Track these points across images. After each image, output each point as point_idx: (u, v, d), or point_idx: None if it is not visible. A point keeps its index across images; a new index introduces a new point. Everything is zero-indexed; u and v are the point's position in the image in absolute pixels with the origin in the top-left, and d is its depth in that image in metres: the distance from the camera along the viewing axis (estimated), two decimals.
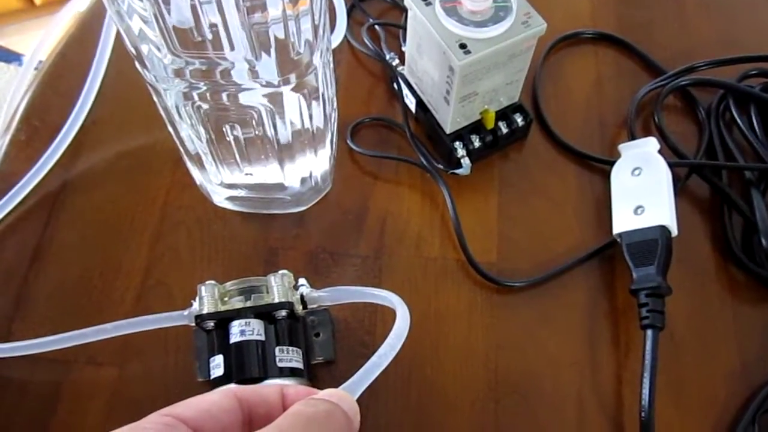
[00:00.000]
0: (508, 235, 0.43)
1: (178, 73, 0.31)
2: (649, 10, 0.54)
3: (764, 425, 0.37)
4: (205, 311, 0.34)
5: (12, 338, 0.39)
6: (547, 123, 0.47)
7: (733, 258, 0.42)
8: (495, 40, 0.38)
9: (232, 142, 0.37)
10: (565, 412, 0.37)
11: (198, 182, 0.42)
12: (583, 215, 0.44)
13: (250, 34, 0.28)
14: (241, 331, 0.33)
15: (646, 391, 0.36)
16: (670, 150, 0.46)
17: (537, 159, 0.46)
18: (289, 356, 0.34)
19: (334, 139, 0.42)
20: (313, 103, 0.35)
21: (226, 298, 0.35)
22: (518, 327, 0.40)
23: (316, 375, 0.37)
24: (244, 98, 0.33)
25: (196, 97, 0.33)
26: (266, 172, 0.39)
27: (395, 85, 0.46)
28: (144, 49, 0.30)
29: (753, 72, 0.48)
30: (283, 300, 0.34)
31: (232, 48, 0.29)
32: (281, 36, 0.29)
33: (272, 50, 0.30)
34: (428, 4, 0.39)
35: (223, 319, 0.34)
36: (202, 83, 0.32)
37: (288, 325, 0.35)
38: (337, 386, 0.24)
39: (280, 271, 0.36)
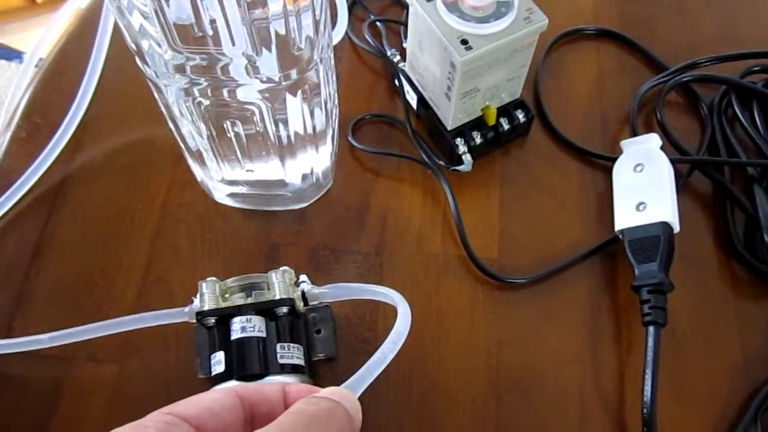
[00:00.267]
0: (509, 231, 0.43)
1: (179, 69, 0.31)
2: (651, 6, 0.53)
3: (767, 422, 0.37)
4: (206, 308, 0.34)
5: (13, 335, 0.38)
6: (549, 119, 0.47)
7: (735, 254, 0.42)
8: (496, 36, 0.37)
9: (233, 139, 0.36)
10: (566, 408, 0.37)
11: (199, 179, 0.42)
12: (584, 212, 0.44)
13: (250, 29, 0.28)
14: (242, 327, 0.33)
15: (648, 388, 0.35)
16: (672, 146, 0.45)
17: (538, 155, 0.46)
18: (290, 353, 0.34)
19: (335, 136, 0.42)
20: (314, 99, 0.35)
21: (227, 295, 0.35)
22: (520, 323, 0.40)
23: (317, 372, 0.37)
24: (244, 94, 0.33)
25: (196, 93, 0.33)
26: (267, 169, 0.39)
27: (396, 82, 0.46)
28: (144, 44, 0.30)
29: (755, 68, 0.48)
30: (284, 297, 0.34)
31: (233, 44, 0.29)
32: (282, 32, 0.29)
33: (273, 46, 0.29)
34: (429, 0, 0.39)
35: (224, 316, 0.34)
36: (203, 79, 0.32)
37: (289, 321, 0.35)
38: (338, 383, 0.24)
39: (281, 268, 0.35)
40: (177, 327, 0.35)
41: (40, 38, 0.48)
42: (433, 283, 0.41)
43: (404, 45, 0.47)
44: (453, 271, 0.41)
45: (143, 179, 0.44)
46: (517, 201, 0.44)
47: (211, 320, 0.34)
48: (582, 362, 0.39)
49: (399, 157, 0.45)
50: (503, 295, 0.41)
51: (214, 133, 0.36)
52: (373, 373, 0.25)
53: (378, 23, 0.50)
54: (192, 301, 0.35)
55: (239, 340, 0.33)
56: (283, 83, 0.32)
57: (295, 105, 0.34)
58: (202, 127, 0.35)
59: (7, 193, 0.43)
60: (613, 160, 0.44)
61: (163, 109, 0.36)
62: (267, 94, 0.33)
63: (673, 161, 0.42)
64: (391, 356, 0.26)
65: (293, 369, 0.34)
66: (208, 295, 0.34)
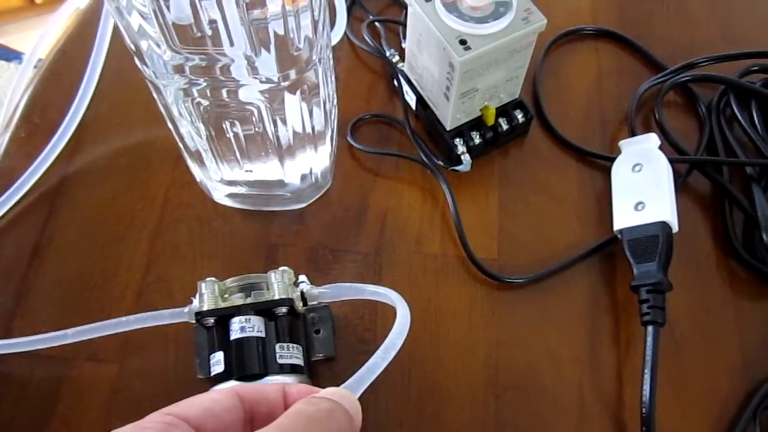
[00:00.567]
0: (508, 231, 0.43)
1: (178, 70, 0.31)
2: (650, 6, 0.54)
3: (765, 420, 0.37)
4: (205, 308, 0.34)
5: (12, 335, 0.38)
6: (548, 119, 0.47)
7: (734, 254, 0.42)
8: (495, 36, 0.38)
9: (232, 139, 0.36)
10: (565, 408, 0.37)
11: (198, 179, 0.42)
12: (583, 211, 0.44)
13: (249, 30, 0.28)
14: (241, 327, 0.33)
15: (646, 387, 0.36)
16: (670, 146, 0.46)
17: (537, 155, 0.46)
18: (289, 353, 0.34)
19: (334, 136, 0.42)
20: (313, 99, 0.35)
21: (226, 295, 0.35)
22: (519, 323, 0.40)
23: (316, 372, 0.37)
24: (243, 94, 0.33)
25: (195, 94, 0.33)
26: (266, 169, 0.39)
27: (395, 82, 0.46)
28: (143, 45, 0.30)
29: (754, 68, 0.48)
30: (283, 297, 0.34)
31: (232, 44, 0.29)
32: (281, 32, 0.29)
33: (272, 46, 0.29)
34: (428, 0, 0.39)
35: (224, 316, 0.34)
36: (202, 79, 0.32)
37: (288, 321, 0.35)
38: (337, 383, 0.24)
39: (281, 268, 0.36)
40: (176, 327, 0.35)
41: (40, 38, 0.48)
42: (432, 283, 0.41)
43: (403, 45, 0.47)
44: (452, 271, 0.41)
45: (142, 179, 0.44)
46: (516, 201, 0.44)
47: (211, 320, 0.34)
48: (581, 362, 0.39)
49: (398, 157, 0.45)
50: (502, 294, 0.41)
51: (213, 134, 0.36)
52: (372, 373, 0.25)
53: (377, 23, 0.50)
54: (191, 302, 0.35)
55: (238, 340, 0.33)
56: (282, 83, 0.32)
57: (294, 105, 0.34)
58: (201, 127, 0.35)
59: (7, 194, 0.43)
60: (612, 160, 0.44)
61: (162, 110, 0.36)
62: (266, 95, 0.33)
63: (671, 161, 0.42)
64: (391, 357, 0.26)
65: (292, 369, 0.34)
66: (207, 296, 0.34)
